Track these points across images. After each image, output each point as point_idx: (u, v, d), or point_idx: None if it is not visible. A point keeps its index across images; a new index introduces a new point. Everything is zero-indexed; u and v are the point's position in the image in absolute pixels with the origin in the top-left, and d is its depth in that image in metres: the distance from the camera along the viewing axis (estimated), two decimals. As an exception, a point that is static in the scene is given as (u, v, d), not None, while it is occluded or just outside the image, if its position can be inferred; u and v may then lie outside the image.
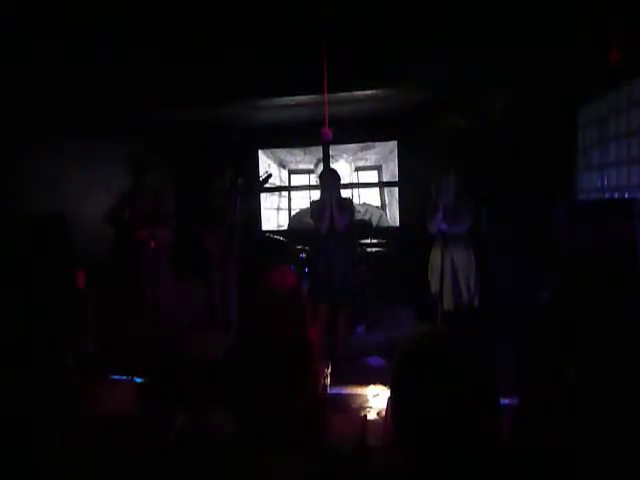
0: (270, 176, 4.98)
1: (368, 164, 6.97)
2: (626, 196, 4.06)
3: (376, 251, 6.10)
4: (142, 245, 4.54)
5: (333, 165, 6.66)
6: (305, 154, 7.06)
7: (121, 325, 4.63)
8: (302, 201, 7.16)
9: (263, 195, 6.99)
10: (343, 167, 6.79)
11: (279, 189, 7.10)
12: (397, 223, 6.79)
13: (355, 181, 6.98)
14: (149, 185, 4.66)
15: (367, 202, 6.98)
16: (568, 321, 1.05)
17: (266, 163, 7.13)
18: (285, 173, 7.17)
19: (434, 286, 4.46)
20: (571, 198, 4.94)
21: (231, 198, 4.57)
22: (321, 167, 6.86)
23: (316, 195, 6.80)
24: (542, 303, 3.74)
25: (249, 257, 5.32)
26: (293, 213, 7.20)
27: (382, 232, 6.46)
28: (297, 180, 7.24)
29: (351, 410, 3.55)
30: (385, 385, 3.84)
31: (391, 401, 1.03)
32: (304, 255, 5.64)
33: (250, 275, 4.56)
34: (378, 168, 6.96)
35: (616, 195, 4.27)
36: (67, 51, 4.16)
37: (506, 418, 1.03)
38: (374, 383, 3.93)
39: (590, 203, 4.52)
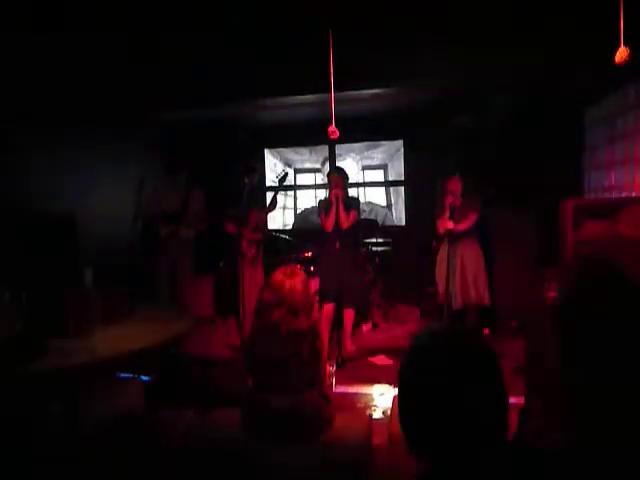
0: (287, 175, 5.03)
1: (375, 163, 6.97)
2: (633, 195, 4.03)
3: (382, 250, 6.10)
4: (164, 242, 4.58)
5: (339, 164, 6.67)
6: (311, 153, 7.08)
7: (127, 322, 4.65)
8: (308, 200, 7.18)
9: (268, 194, 7.01)
10: (350, 166, 6.79)
11: (285, 188, 7.11)
12: (403, 222, 6.79)
13: (361, 180, 6.98)
14: (179, 186, 4.68)
15: (373, 202, 6.98)
16: (574, 319, 1.05)
17: (272, 162, 7.16)
18: (291, 172, 7.18)
19: (441, 284, 4.45)
20: (578, 197, 4.91)
21: (241, 198, 4.60)
22: (327, 166, 6.88)
23: (322, 194, 6.84)
24: (548, 301, 3.72)
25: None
26: (299, 212, 7.22)
27: (388, 231, 6.46)
28: (303, 179, 7.24)
29: (356, 409, 3.54)
30: (391, 384, 3.83)
31: (398, 400, 1.03)
32: (310, 254, 5.65)
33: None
34: (384, 167, 6.95)
35: (623, 194, 4.25)
36: (71, 50, 4.18)
37: (512, 417, 1.03)
38: (379, 382, 3.93)
39: (598, 202, 4.49)
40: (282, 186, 5.24)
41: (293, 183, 7.19)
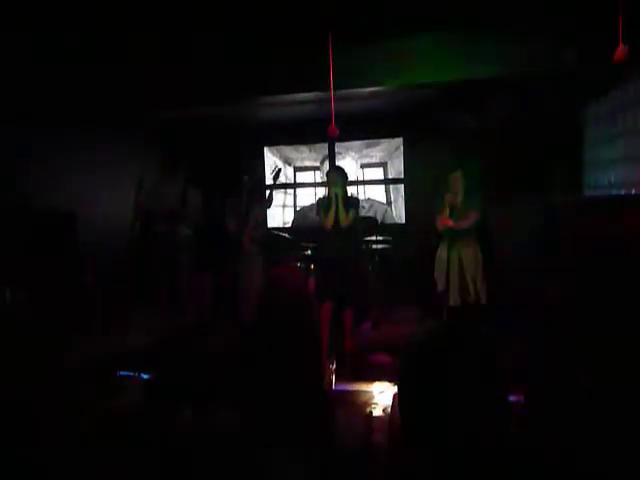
0: (280, 171, 5.02)
1: (374, 161, 6.97)
2: (633, 192, 4.03)
3: (381, 248, 6.09)
4: (163, 241, 4.58)
5: (339, 162, 6.67)
6: (311, 151, 7.07)
7: (127, 321, 4.66)
8: (308, 198, 7.18)
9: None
10: (349, 164, 6.79)
11: (284, 186, 7.11)
12: (403, 220, 6.79)
13: (361, 178, 6.98)
14: (178, 185, 4.67)
15: (372, 198, 6.97)
16: (577, 320, 1.05)
17: (272, 160, 7.15)
18: (290, 170, 7.18)
19: (440, 283, 4.46)
20: (578, 195, 4.91)
21: (241, 197, 4.60)
22: (327, 164, 6.88)
23: (322, 192, 6.83)
24: (550, 301, 3.73)
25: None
26: (298, 210, 7.22)
27: (387, 229, 6.46)
28: (302, 177, 7.24)
29: (357, 407, 3.55)
30: (391, 382, 3.84)
31: (399, 397, 1.03)
32: (309, 252, 5.65)
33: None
34: (384, 165, 6.95)
35: (623, 192, 4.25)
36: (70, 49, 4.17)
37: (512, 416, 1.03)
38: (379, 380, 3.94)
39: (598, 200, 4.50)
40: (277, 183, 5.25)
41: (293, 181, 7.19)
